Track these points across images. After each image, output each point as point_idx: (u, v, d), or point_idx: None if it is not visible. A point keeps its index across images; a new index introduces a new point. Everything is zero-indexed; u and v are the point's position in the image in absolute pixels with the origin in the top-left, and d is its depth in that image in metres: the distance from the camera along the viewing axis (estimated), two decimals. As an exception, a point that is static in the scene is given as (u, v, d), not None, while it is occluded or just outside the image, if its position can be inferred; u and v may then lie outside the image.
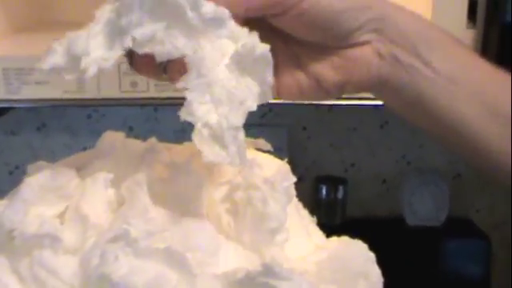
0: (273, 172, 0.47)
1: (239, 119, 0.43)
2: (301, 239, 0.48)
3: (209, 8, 0.43)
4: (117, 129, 1.27)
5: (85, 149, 1.21)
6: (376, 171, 1.26)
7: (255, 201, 0.45)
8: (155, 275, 0.39)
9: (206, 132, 0.43)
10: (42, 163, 0.48)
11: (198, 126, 0.43)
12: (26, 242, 0.42)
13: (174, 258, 0.40)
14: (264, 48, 0.45)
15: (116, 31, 0.43)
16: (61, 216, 0.44)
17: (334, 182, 1.18)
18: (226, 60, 0.44)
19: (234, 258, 0.43)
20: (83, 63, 0.42)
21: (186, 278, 0.40)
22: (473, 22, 0.77)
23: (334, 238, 0.49)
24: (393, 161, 1.26)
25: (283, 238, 0.44)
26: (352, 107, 1.20)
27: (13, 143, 1.24)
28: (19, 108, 1.17)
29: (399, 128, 1.24)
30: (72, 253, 0.42)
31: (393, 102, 0.53)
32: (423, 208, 1.19)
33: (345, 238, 0.49)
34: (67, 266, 0.41)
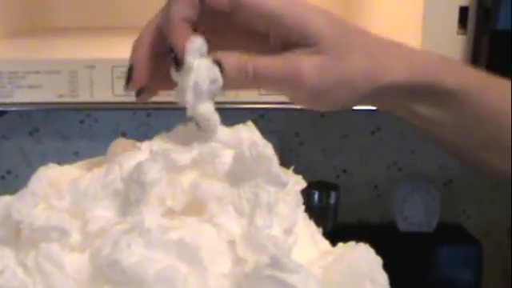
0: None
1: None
2: (308, 245, 0.48)
3: None
4: (109, 134, 1.27)
5: (77, 153, 1.22)
6: (368, 177, 1.27)
7: (264, 200, 0.44)
8: (166, 266, 0.39)
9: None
10: (52, 165, 0.48)
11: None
12: (33, 234, 0.41)
13: (186, 251, 0.40)
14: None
15: None
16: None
17: (326, 187, 1.17)
18: None
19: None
20: None
21: (197, 272, 0.40)
22: (464, 28, 0.78)
23: (341, 245, 0.48)
24: (384, 167, 1.26)
25: (292, 241, 0.44)
26: (344, 113, 1.21)
27: (5, 148, 1.24)
28: (11, 113, 1.17)
29: (390, 134, 1.24)
30: (79, 250, 0.42)
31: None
32: (414, 214, 1.19)
33: (351, 243, 0.48)
34: (74, 260, 0.41)
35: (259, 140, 0.48)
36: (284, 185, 0.45)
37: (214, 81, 0.48)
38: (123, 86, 0.52)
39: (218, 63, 0.48)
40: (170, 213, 0.43)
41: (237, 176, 0.45)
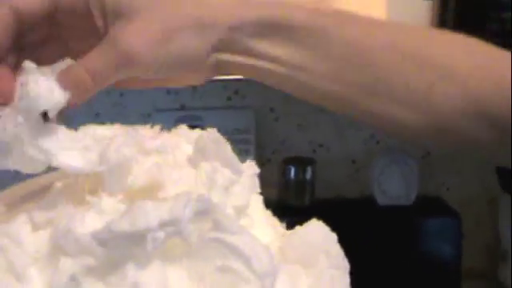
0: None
1: None
2: (265, 228, 0.49)
3: None
4: (83, 115, 1.25)
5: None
6: (345, 151, 1.26)
7: (219, 182, 0.45)
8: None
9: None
10: None
11: None
12: None
13: None
14: None
15: None
16: None
17: (302, 162, 1.17)
18: None
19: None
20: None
21: None
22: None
23: (298, 227, 0.49)
24: (361, 140, 1.25)
25: (248, 223, 0.46)
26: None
27: None
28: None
29: (367, 107, 1.23)
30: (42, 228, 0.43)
31: None
32: (393, 187, 1.19)
33: (306, 224, 0.49)
34: (35, 240, 0.42)
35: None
36: (239, 170, 0.47)
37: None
38: None
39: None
40: (128, 195, 0.44)
41: (195, 163, 0.47)
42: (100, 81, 0.46)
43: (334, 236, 0.47)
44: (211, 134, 0.48)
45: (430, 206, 1.23)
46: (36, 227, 0.43)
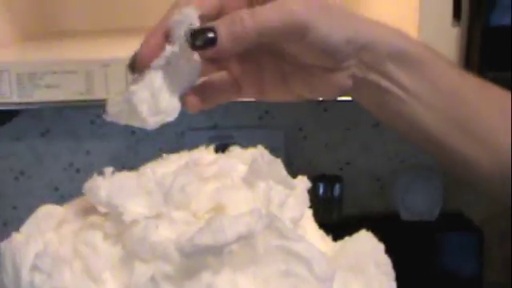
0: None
1: None
2: (317, 239, 0.52)
3: None
4: (119, 133, 1.30)
5: (88, 153, 1.25)
6: (370, 169, 1.29)
7: (275, 199, 0.49)
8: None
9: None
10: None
11: None
12: None
13: None
14: None
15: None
16: None
17: (330, 180, 1.20)
18: None
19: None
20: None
21: None
22: (458, 20, 0.80)
23: (346, 238, 0.53)
24: (386, 159, 1.29)
25: (301, 233, 0.49)
26: (346, 107, 1.24)
27: (18, 149, 1.28)
28: (23, 114, 1.21)
29: (392, 127, 1.26)
30: (113, 240, 0.46)
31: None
32: (417, 204, 1.21)
33: (355, 235, 0.52)
34: (107, 248, 0.46)
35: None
36: (292, 185, 0.51)
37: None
38: (127, 68, 0.51)
39: (211, 30, 0.48)
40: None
41: (251, 182, 0.49)
42: (261, 28, 0.48)
43: (381, 246, 0.51)
44: (265, 156, 0.50)
45: (452, 221, 1.25)
46: (107, 236, 0.46)
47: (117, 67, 0.79)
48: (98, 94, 0.80)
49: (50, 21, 1.14)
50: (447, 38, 0.79)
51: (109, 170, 0.48)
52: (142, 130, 1.31)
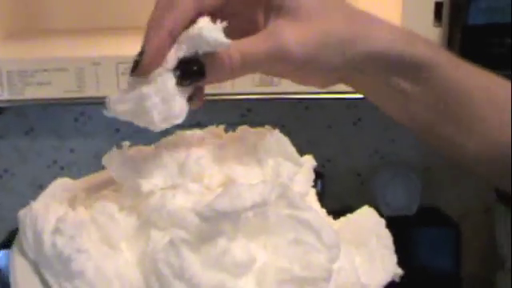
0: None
1: None
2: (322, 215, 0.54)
3: None
4: (103, 131, 1.30)
5: (72, 151, 1.26)
6: (351, 166, 1.31)
7: (284, 173, 0.50)
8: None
9: None
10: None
11: None
12: None
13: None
14: None
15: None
16: None
17: (312, 176, 1.21)
18: None
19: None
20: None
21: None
22: (439, 21, 0.83)
23: (349, 214, 0.55)
24: (367, 156, 1.31)
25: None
26: (327, 105, 1.26)
27: (1, 147, 1.28)
28: (6, 112, 1.21)
29: (372, 124, 1.29)
30: (128, 211, 0.48)
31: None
32: (396, 199, 1.24)
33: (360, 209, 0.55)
34: (123, 217, 0.47)
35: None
36: (300, 163, 0.53)
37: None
38: (129, 73, 0.48)
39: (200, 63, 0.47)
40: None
41: (260, 159, 0.51)
42: (248, 63, 0.48)
43: (383, 221, 0.53)
44: (274, 133, 0.52)
45: (430, 216, 1.28)
46: (122, 208, 0.48)
47: (107, 65, 0.81)
48: (89, 92, 0.81)
49: (35, 19, 1.14)
50: (429, 38, 0.82)
51: (126, 143, 0.50)
52: (127, 128, 1.31)
